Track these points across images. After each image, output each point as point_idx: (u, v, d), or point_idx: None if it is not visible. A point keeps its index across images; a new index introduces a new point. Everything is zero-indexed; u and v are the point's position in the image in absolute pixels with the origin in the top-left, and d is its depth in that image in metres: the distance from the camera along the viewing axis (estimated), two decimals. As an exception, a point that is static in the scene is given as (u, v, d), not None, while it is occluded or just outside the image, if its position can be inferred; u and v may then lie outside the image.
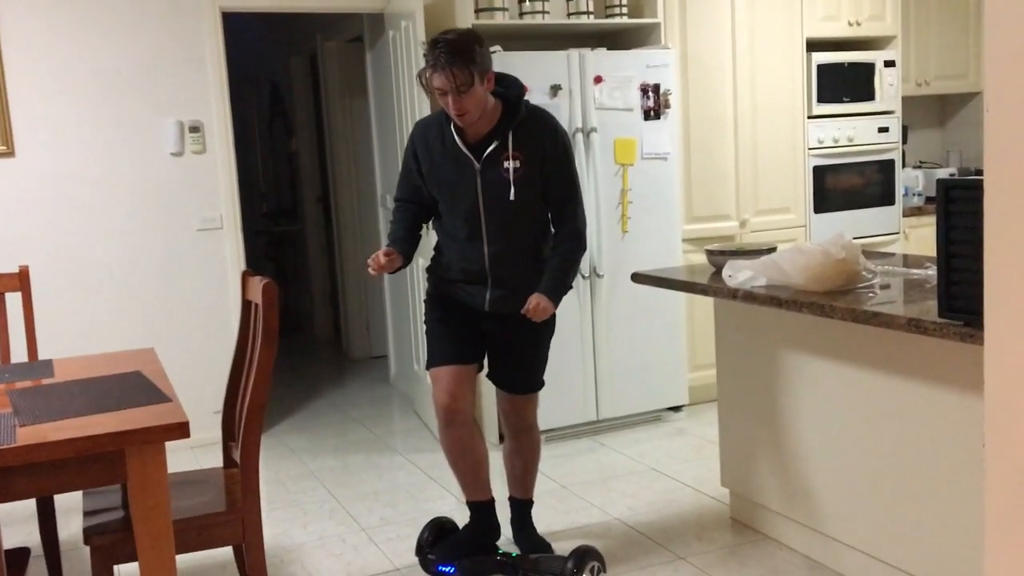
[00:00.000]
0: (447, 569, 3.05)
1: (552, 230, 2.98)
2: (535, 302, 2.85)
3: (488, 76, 2.76)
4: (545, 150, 2.87)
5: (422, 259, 4.09)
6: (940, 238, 2.20)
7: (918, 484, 2.67)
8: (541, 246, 2.97)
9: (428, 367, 3.00)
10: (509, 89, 2.89)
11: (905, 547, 2.74)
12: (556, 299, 2.90)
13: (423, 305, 3.14)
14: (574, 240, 2.94)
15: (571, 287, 2.99)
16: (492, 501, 3.12)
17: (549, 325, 3.03)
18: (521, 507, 3.23)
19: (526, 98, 2.92)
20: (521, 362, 3.05)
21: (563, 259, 2.93)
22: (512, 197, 2.83)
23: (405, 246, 2.96)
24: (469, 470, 3.04)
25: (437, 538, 3.14)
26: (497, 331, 3.00)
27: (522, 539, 3.20)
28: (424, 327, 3.10)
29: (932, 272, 2.86)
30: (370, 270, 2.84)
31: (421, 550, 3.14)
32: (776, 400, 3.17)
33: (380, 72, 5.40)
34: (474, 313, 2.98)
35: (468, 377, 2.96)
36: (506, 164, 2.83)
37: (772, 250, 3.12)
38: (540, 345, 3.06)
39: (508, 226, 2.89)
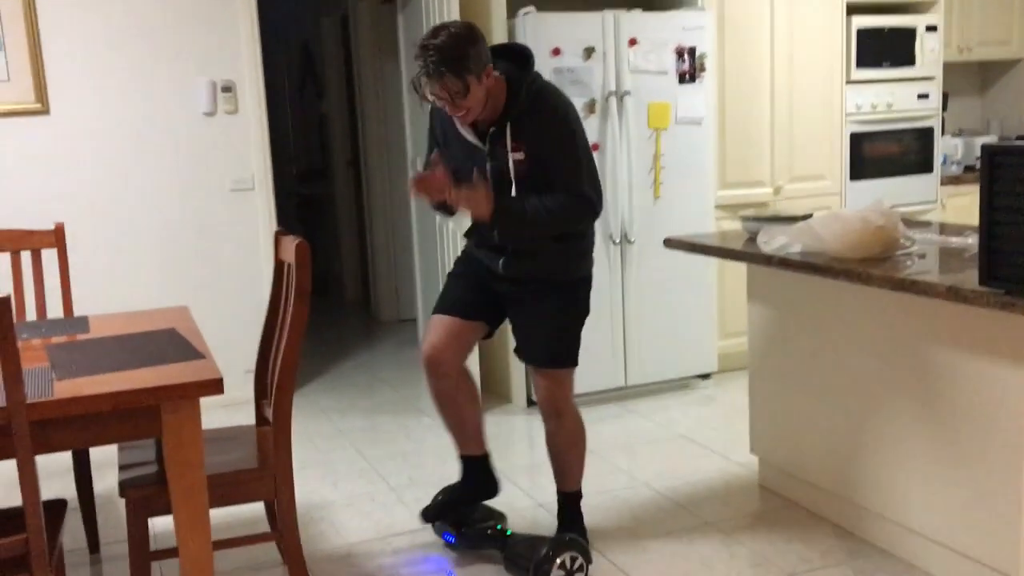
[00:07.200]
0: (448, 538, 3.06)
1: None
2: (479, 183, 2.66)
3: (486, 71, 2.62)
4: (544, 142, 2.71)
5: (451, 223, 4.08)
6: (983, 205, 2.16)
7: (953, 455, 2.65)
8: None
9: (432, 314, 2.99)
10: (523, 69, 2.74)
11: (937, 517, 2.72)
12: (499, 208, 2.65)
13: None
14: (573, 199, 2.71)
15: (526, 231, 2.72)
16: (484, 456, 3.06)
17: (576, 301, 2.90)
18: (561, 499, 3.02)
19: (539, 70, 2.78)
20: (536, 331, 2.89)
21: (543, 202, 2.68)
22: (514, 193, 2.73)
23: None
24: (455, 423, 3.01)
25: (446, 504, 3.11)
26: (513, 296, 2.89)
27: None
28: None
29: (971, 241, 2.82)
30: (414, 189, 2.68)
31: (427, 512, 3.11)
32: (808, 368, 3.15)
33: (412, 33, 5.35)
34: (492, 276, 2.92)
35: (460, 331, 2.90)
36: (509, 156, 2.73)
37: (808, 217, 3.08)
38: (560, 316, 2.87)
39: None
